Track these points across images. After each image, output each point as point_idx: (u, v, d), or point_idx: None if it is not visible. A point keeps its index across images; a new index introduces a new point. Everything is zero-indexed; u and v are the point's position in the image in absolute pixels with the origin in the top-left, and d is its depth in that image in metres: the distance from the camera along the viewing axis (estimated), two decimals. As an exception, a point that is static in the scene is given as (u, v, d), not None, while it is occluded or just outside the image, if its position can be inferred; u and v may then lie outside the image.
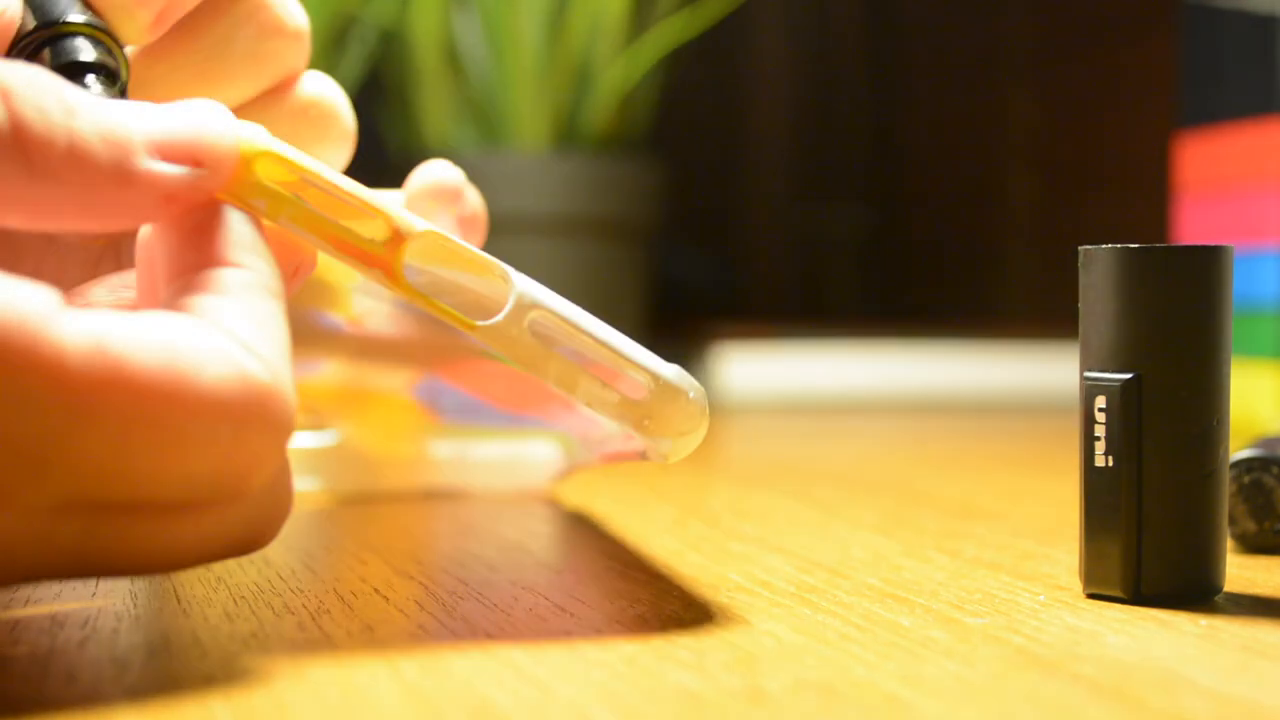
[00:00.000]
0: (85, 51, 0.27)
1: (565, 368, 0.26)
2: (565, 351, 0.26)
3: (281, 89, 0.31)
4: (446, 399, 0.41)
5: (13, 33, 0.27)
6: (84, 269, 0.30)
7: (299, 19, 0.31)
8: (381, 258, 0.25)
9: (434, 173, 0.36)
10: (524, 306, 0.26)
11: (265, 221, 0.25)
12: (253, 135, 0.25)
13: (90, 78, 0.27)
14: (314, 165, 0.25)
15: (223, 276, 0.24)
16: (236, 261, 0.24)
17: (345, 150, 0.33)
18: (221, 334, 0.23)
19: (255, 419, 0.22)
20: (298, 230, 0.25)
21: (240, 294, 0.24)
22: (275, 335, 0.24)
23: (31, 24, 0.27)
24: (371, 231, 0.25)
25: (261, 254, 0.24)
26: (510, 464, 0.44)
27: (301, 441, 0.43)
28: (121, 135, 0.23)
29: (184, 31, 0.30)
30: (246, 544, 0.24)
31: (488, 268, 0.26)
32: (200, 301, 0.23)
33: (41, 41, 0.27)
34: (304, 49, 0.31)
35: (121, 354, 0.21)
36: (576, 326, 0.26)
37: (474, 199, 0.37)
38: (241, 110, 0.31)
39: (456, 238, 0.26)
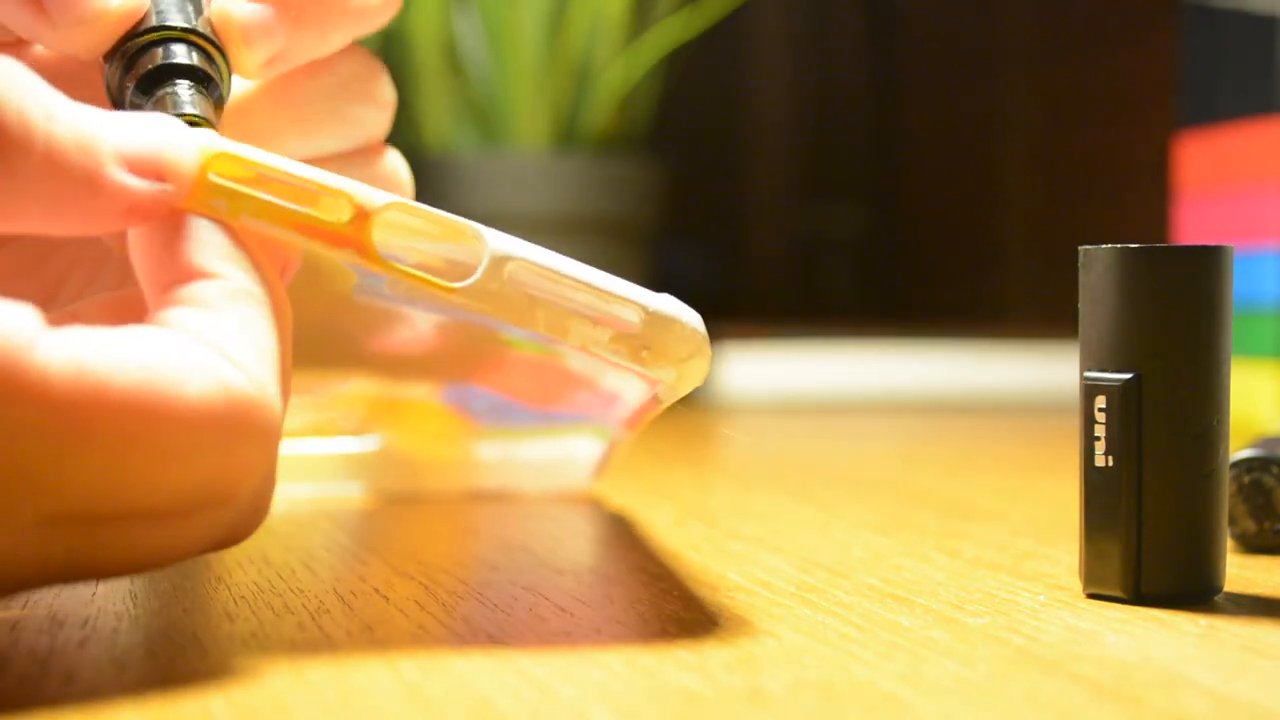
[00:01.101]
0: (184, 57, 0.28)
1: (553, 313, 0.26)
2: (550, 298, 0.26)
3: (366, 153, 0.33)
4: (477, 402, 0.41)
5: (132, 24, 0.28)
6: (124, 268, 0.30)
7: (389, 94, 0.33)
8: (351, 236, 0.25)
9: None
10: (500, 260, 0.25)
11: (231, 222, 0.25)
12: (205, 141, 0.25)
13: (184, 82, 0.28)
14: (266, 158, 0.25)
15: (198, 289, 0.24)
16: (211, 271, 0.24)
17: None
18: (202, 346, 0.23)
19: (241, 430, 0.23)
20: (263, 225, 0.25)
21: (218, 303, 0.24)
22: (258, 341, 0.24)
23: (152, 22, 0.28)
24: (335, 213, 0.25)
25: (235, 259, 0.24)
26: (556, 463, 0.44)
27: (344, 447, 0.43)
28: (95, 144, 0.23)
29: (293, 78, 0.31)
30: (230, 540, 0.24)
31: (459, 230, 0.26)
32: (179, 316, 0.23)
33: (153, 42, 0.28)
34: (388, 120, 0.33)
35: (104, 375, 0.21)
36: (557, 272, 0.26)
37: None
38: (329, 160, 0.32)
39: (422, 205, 0.26)
